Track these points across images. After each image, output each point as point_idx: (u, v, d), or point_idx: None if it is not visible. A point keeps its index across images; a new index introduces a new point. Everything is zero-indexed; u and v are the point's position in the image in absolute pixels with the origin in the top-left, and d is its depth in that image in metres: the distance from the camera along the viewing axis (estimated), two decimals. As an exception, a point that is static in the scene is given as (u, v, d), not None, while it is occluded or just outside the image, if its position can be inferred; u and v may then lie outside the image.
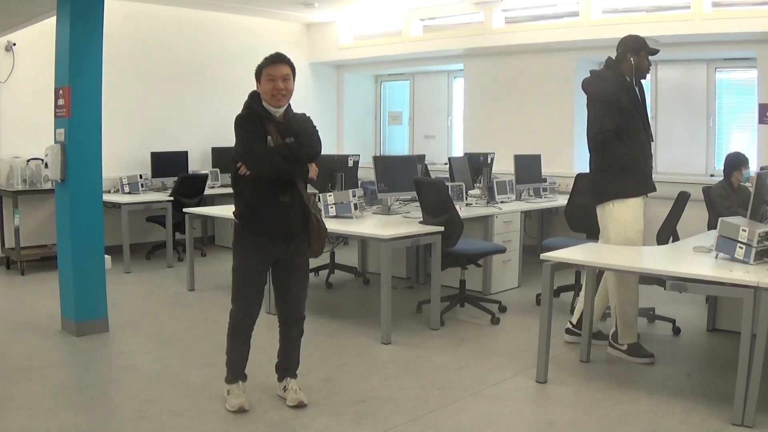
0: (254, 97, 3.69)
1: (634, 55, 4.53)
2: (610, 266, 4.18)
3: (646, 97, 4.73)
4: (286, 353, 3.94)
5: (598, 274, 4.68)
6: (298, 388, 3.87)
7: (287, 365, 3.94)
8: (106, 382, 4.30)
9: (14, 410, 3.74)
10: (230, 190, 9.54)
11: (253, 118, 3.61)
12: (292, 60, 3.66)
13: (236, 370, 3.84)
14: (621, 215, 4.57)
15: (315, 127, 3.79)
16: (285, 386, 3.90)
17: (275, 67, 3.57)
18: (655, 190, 4.74)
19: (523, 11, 8.32)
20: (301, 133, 3.67)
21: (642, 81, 4.67)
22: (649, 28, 6.97)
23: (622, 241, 4.57)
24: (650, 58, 4.63)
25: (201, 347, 4.96)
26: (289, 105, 3.68)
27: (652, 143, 4.77)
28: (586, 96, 4.67)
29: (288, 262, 3.75)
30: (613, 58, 4.64)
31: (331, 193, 5.84)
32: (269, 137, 3.58)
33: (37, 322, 5.51)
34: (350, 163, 6.63)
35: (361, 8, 9.21)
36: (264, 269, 3.77)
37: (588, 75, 4.72)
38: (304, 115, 3.81)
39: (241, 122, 3.62)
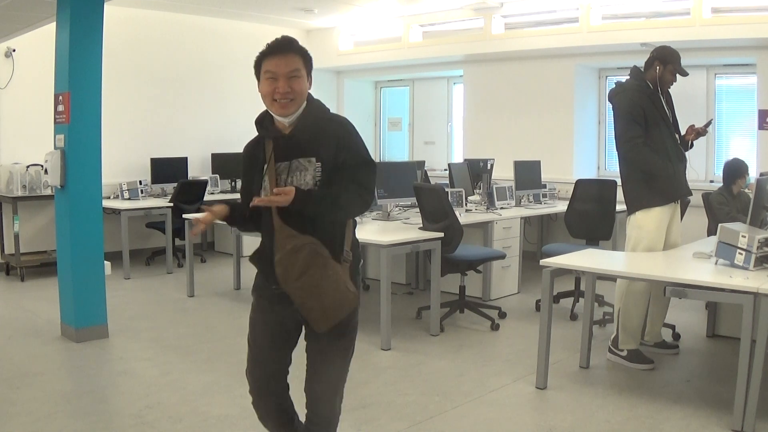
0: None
1: (661, 65, 4.54)
2: (610, 272, 4.19)
3: (673, 104, 4.74)
4: None
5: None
6: None
7: None
8: (106, 388, 4.29)
9: (14, 416, 3.74)
10: (231, 196, 9.60)
11: (250, 146, 2.66)
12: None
13: None
14: (643, 223, 4.59)
15: (366, 153, 2.53)
16: None
17: (278, 60, 2.44)
18: (686, 195, 4.77)
19: (522, 17, 8.34)
20: (344, 166, 2.44)
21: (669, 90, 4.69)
22: (648, 34, 7.00)
23: (641, 249, 4.57)
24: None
25: (201, 353, 4.95)
26: (312, 103, 2.54)
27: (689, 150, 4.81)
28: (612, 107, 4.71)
29: (312, 334, 2.57)
30: (639, 66, 4.66)
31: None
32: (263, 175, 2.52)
33: (37, 328, 5.51)
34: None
35: (361, 14, 9.22)
36: (274, 328, 2.65)
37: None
38: (345, 121, 2.57)
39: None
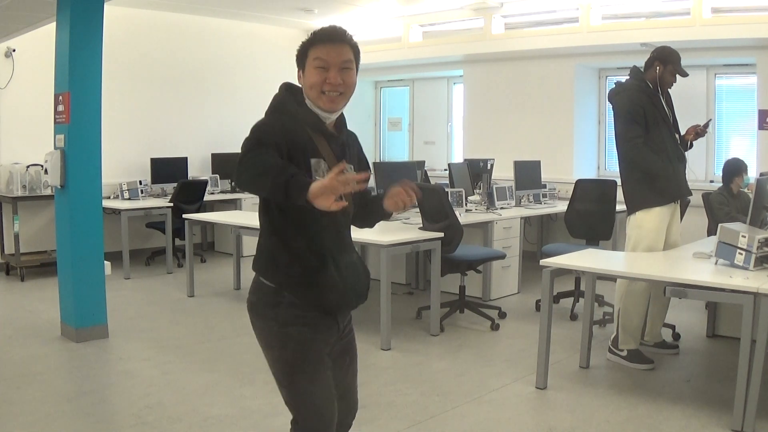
0: (290, 92, 2.27)
1: (662, 65, 4.54)
2: (610, 272, 4.19)
3: (673, 105, 4.75)
4: None
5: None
6: None
7: None
8: (106, 388, 4.29)
9: (14, 416, 3.74)
10: (231, 196, 9.64)
11: (280, 127, 2.15)
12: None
13: None
14: (643, 223, 4.59)
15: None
16: None
17: (331, 48, 2.18)
18: (686, 195, 4.77)
19: (522, 17, 8.34)
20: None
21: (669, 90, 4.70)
22: (648, 34, 7.00)
23: (640, 249, 4.57)
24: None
25: (200, 353, 4.95)
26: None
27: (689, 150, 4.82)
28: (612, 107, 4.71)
29: (342, 346, 2.36)
30: (639, 66, 4.66)
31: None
32: (319, 161, 2.19)
33: (37, 328, 5.51)
34: (350, 169, 6.62)
35: (361, 14, 9.22)
36: (325, 352, 2.28)
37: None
38: (354, 135, 2.47)
39: (255, 133, 2.16)
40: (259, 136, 2.13)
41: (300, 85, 2.24)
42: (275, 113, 2.23)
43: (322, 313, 2.23)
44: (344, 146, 2.30)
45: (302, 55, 2.21)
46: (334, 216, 2.06)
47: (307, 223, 2.18)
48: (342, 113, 2.30)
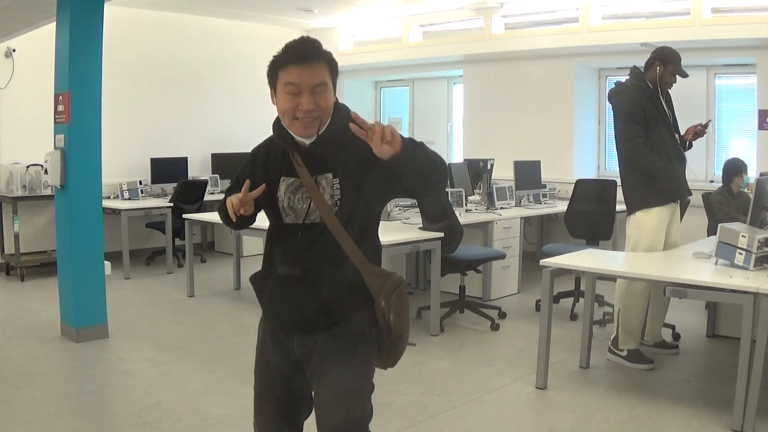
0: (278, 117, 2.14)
1: (662, 65, 4.55)
2: (610, 272, 4.19)
3: (673, 105, 4.75)
4: None
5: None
6: None
7: None
8: (106, 388, 4.29)
9: (14, 416, 3.74)
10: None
11: (253, 161, 2.23)
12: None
13: None
14: (643, 223, 4.59)
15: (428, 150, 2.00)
16: None
17: (302, 70, 1.99)
18: (686, 195, 4.77)
19: (522, 17, 8.34)
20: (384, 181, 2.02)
21: (669, 90, 4.70)
22: (648, 34, 7.00)
23: (640, 249, 4.57)
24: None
25: (200, 353, 4.95)
26: (338, 114, 2.10)
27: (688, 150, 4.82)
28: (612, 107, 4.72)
29: (316, 367, 2.19)
30: (639, 66, 4.66)
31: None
32: (286, 180, 2.15)
33: (37, 328, 5.51)
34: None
35: (361, 14, 9.22)
36: (277, 372, 2.34)
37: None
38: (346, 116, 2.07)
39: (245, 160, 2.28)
40: (233, 179, 2.29)
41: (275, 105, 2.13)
42: (268, 138, 2.24)
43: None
44: (323, 152, 2.09)
45: (272, 75, 2.05)
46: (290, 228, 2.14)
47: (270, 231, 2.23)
48: (337, 117, 2.09)
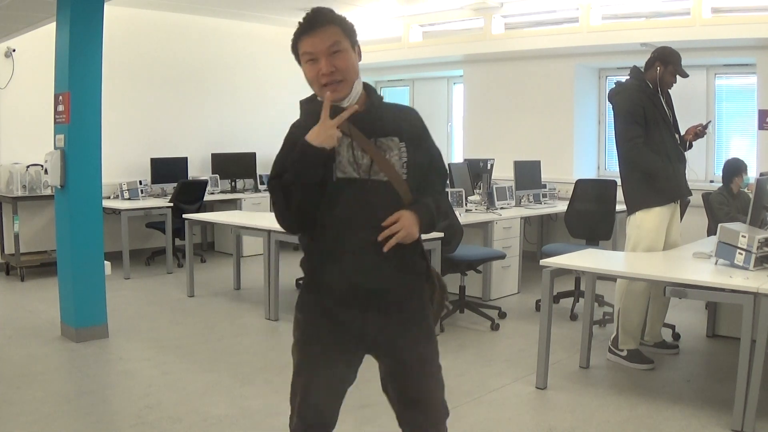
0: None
1: (662, 65, 4.54)
2: (610, 272, 4.19)
3: (673, 105, 4.75)
4: None
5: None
6: None
7: None
8: (106, 388, 4.29)
9: (14, 416, 3.74)
10: (231, 196, 9.64)
11: (295, 140, 2.10)
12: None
13: None
14: (643, 223, 4.59)
15: (443, 163, 2.32)
16: None
17: (314, 37, 2.06)
18: (686, 195, 4.77)
19: (522, 17, 8.34)
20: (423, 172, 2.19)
21: (669, 90, 4.70)
22: (648, 34, 7.00)
23: (640, 249, 4.57)
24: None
25: (201, 353, 4.95)
26: (368, 86, 2.24)
27: (688, 150, 4.82)
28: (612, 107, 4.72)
29: (395, 350, 2.28)
30: (639, 66, 4.67)
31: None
32: (342, 137, 2.08)
33: (37, 328, 5.51)
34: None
35: (361, 14, 9.22)
36: (339, 358, 2.24)
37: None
38: (414, 112, 2.29)
39: (274, 165, 2.18)
40: (274, 168, 2.15)
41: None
42: (297, 121, 2.21)
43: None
44: (377, 117, 2.16)
45: (295, 53, 2.14)
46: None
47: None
48: (365, 89, 2.19)
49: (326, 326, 2.18)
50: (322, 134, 2.01)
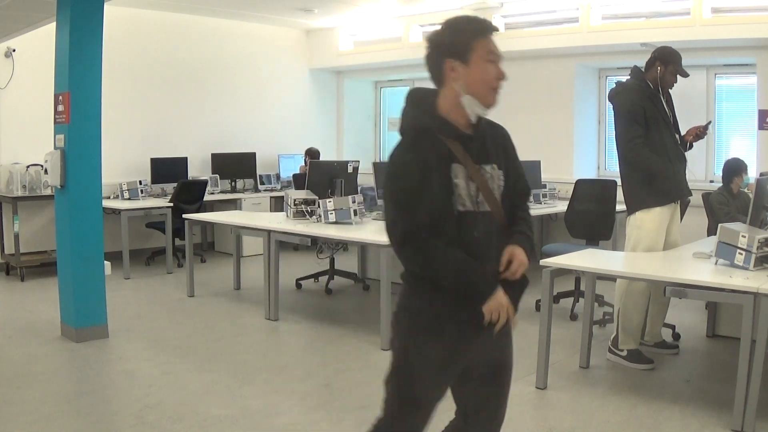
0: (417, 105, 2.13)
1: (662, 65, 4.54)
2: (610, 272, 4.19)
3: (673, 105, 4.74)
4: None
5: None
6: None
7: None
8: (106, 388, 4.29)
9: (14, 416, 3.74)
10: (231, 196, 9.63)
11: (418, 169, 2.01)
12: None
13: None
14: (643, 223, 4.59)
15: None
16: None
17: (494, 41, 2.06)
18: (686, 195, 4.76)
19: (522, 17, 8.33)
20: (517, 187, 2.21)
21: (669, 90, 4.69)
22: (648, 34, 6.99)
23: (640, 249, 4.57)
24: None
25: (201, 353, 4.95)
26: None
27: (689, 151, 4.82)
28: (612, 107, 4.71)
29: (487, 358, 2.51)
30: (639, 66, 4.66)
31: (331, 199, 5.85)
32: (458, 167, 2.05)
33: (37, 328, 5.51)
34: (350, 169, 6.64)
35: (361, 14, 9.21)
36: (462, 356, 2.44)
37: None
38: (504, 130, 2.28)
39: (400, 198, 2.06)
40: (404, 202, 2.04)
41: (425, 88, 2.14)
42: (409, 142, 2.08)
43: None
44: (484, 141, 2.12)
45: (464, 46, 2.04)
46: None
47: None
48: None
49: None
50: (495, 310, 2.23)
